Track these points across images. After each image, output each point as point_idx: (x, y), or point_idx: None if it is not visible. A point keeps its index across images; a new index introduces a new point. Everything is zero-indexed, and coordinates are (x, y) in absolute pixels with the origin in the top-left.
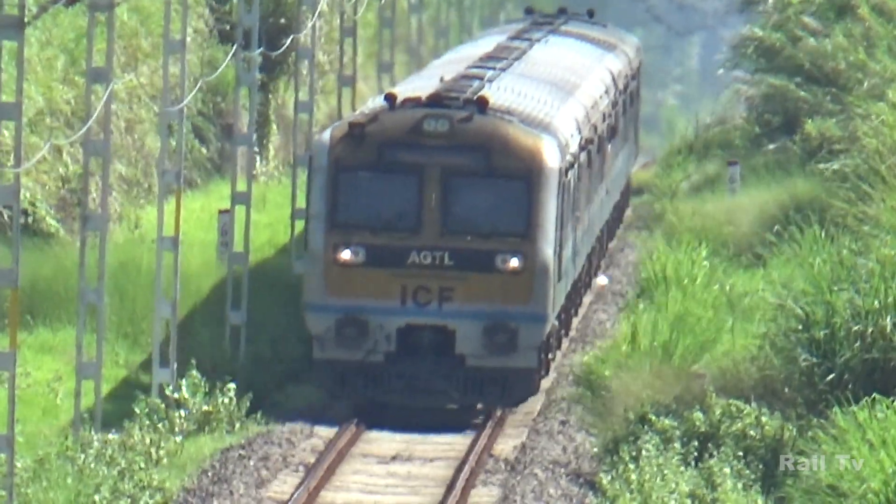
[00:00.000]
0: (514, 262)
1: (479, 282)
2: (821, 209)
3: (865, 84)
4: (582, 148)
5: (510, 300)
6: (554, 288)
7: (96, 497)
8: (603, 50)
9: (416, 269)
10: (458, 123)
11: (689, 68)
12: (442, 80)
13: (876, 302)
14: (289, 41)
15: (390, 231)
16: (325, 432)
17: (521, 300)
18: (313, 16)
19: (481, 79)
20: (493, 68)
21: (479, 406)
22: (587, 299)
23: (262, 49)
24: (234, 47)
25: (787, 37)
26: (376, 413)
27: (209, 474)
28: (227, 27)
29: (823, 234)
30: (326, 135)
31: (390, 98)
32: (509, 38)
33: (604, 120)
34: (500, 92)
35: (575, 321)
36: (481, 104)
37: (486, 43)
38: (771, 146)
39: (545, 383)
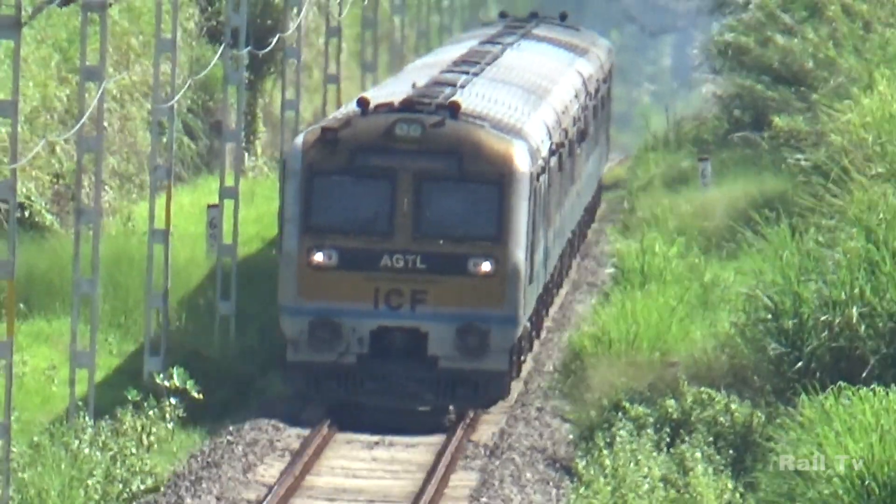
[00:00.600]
0: (486, 266)
1: (452, 285)
2: (789, 203)
3: (832, 82)
4: (553, 152)
5: (482, 303)
6: (525, 291)
7: (90, 481)
8: (574, 54)
9: (388, 272)
10: (431, 128)
11: (662, 67)
12: (415, 85)
13: (842, 293)
14: (275, 41)
15: (363, 234)
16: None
17: (493, 303)
18: (299, 16)
19: (454, 84)
20: (466, 73)
21: (452, 408)
22: (564, 290)
23: (249, 48)
24: (223, 46)
25: (756, 38)
26: (349, 415)
27: (199, 459)
28: (216, 26)
29: (791, 228)
30: (300, 139)
31: (363, 103)
32: (482, 42)
33: (574, 124)
34: (473, 97)
35: (552, 311)
36: (453, 109)
37: (460, 47)
38: (739, 139)
39: (522, 374)
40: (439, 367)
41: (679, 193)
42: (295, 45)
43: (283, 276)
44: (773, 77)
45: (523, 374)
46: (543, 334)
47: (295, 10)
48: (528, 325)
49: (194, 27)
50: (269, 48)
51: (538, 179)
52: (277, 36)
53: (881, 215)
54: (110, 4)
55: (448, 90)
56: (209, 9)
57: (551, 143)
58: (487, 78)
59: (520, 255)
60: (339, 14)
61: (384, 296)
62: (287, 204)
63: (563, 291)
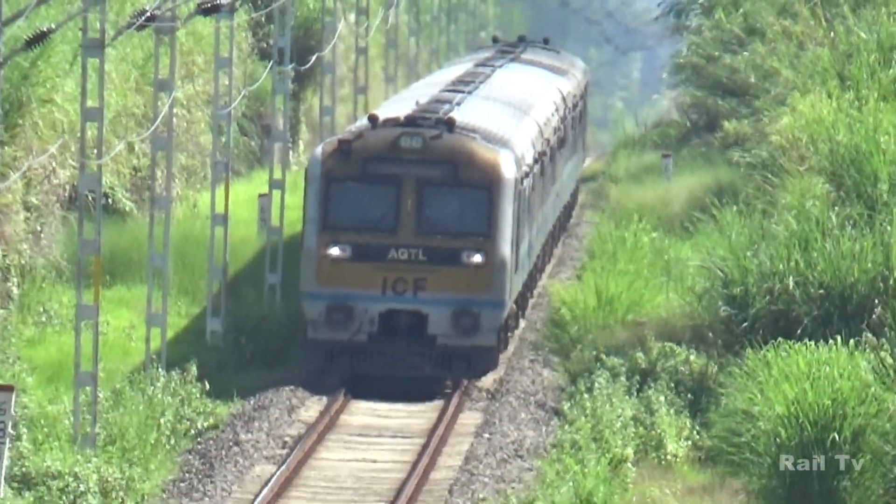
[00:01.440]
0: (477, 258)
1: (448, 274)
2: (737, 192)
3: (772, 92)
4: (536, 160)
5: (474, 289)
6: (511, 279)
7: (162, 420)
8: (555, 74)
9: (394, 263)
10: (430, 140)
11: (632, 79)
12: (418, 102)
13: (780, 265)
14: (314, 58)
15: (373, 231)
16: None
17: (483, 289)
18: (333, 38)
19: (451, 102)
20: (462, 91)
21: (448, 382)
22: (549, 266)
23: (293, 65)
24: (271, 63)
25: (707, 58)
26: (361, 385)
27: (251, 402)
28: (266, 46)
29: (739, 212)
30: (318, 150)
31: (373, 119)
32: (476, 64)
33: (555, 133)
34: (467, 113)
35: (539, 284)
36: (450, 124)
37: (458, 68)
38: (696, 140)
39: (509, 349)
40: (438, 344)
41: (646, 184)
42: (330, 62)
43: (304, 266)
44: (722, 88)
45: (510, 349)
46: (531, 305)
47: (328, 32)
48: (514, 306)
49: (247, 47)
50: (309, 65)
51: (522, 183)
52: (316, 55)
53: (812, 202)
54: (178, 28)
55: (446, 106)
56: (260, 32)
57: (534, 152)
58: (480, 96)
59: (506, 248)
60: (367, 36)
61: (391, 283)
62: (307, 206)
63: (548, 267)
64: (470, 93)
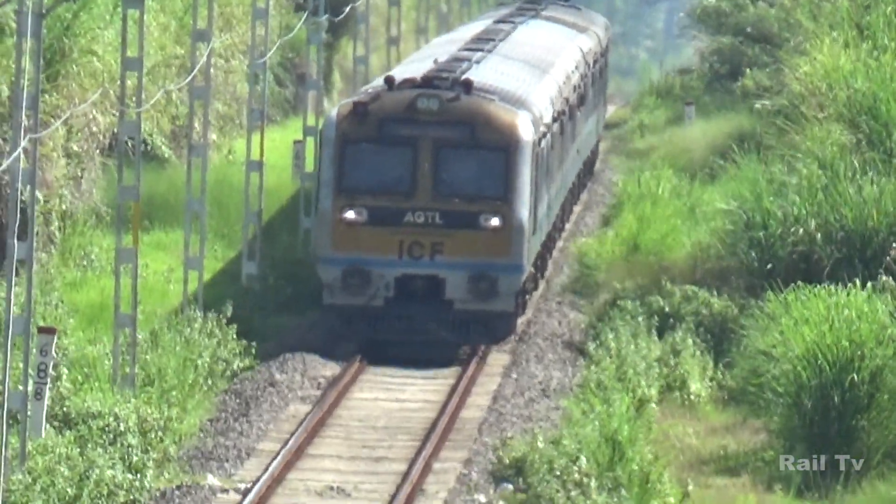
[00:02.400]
0: (495, 222)
1: (465, 238)
2: (758, 139)
3: (792, 42)
4: (555, 119)
5: (491, 254)
6: (529, 242)
7: (199, 361)
8: (576, 31)
9: (411, 227)
10: (447, 102)
11: (656, 29)
12: (436, 61)
13: (802, 209)
14: (348, 9)
15: (389, 195)
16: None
17: (501, 254)
18: None
19: (469, 60)
20: (481, 50)
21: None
22: (577, 208)
23: (327, 15)
24: (306, 14)
25: (733, 4)
26: (378, 352)
27: (287, 344)
28: None
29: (760, 158)
30: (334, 112)
31: (389, 80)
32: (496, 21)
33: (574, 91)
34: (485, 72)
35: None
36: (467, 85)
37: (478, 25)
38: (719, 87)
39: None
40: (455, 309)
41: (669, 131)
42: (364, 12)
43: (319, 230)
44: (746, 36)
45: (528, 312)
46: (550, 265)
47: None
48: (533, 269)
49: None
50: (343, 15)
51: (540, 144)
52: (350, 5)
53: (831, 147)
54: None
55: (465, 65)
56: None
57: (553, 111)
58: (500, 54)
59: (524, 211)
60: None
61: (407, 247)
62: (322, 168)
63: (567, 226)
64: (489, 51)
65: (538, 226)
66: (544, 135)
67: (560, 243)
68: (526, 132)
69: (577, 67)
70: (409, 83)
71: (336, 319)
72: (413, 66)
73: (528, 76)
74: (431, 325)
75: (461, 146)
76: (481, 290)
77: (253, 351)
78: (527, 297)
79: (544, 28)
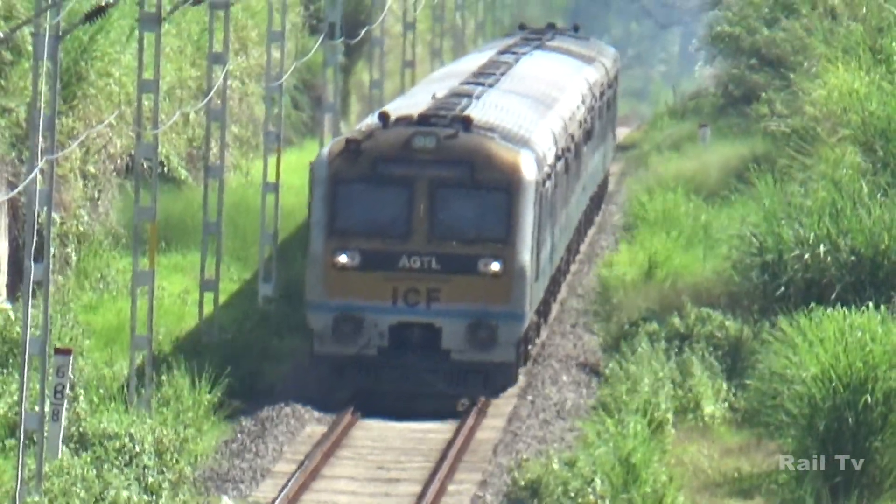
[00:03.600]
0: (495, 266)
1: (463, 284)
2: (772, 161)
3: (805, 65)
4: (559, 157)
5: (491, 300)
6: (531, 288)
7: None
8: (582, 62)
9: (406, 272)
10: (445, 140)
11: (671, 53)
12: (434, 97)
13: (813, 233)
14: (364, 32)
15: (383, 237)
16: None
17: (502, 300)
18: (382, 13)
19: (469, 95)
20: (482, 84)
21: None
22: (591, 231)
23: (343, 39)
24: (322, 37)
25: (745, 28)
26: (371, 403)
27: (302, 366)
28: (317, 21)
29: (774, 181)
30: (325, 150)
31: (383, 117)
32: (499, 52)
33: (580, 127)
34: (486, 108)
35: (581, 253)
36: (466, 122)
37: (481, 57)
38: (733, 110)
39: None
40: (452, 359)
41: (683, 153)
42: (379, 36)
43: (309, 275)
44: (759, 60)
45: (554, 312)
46: (554, 312)
47: (377, 7)
48: (535, 317)
49: (299, 21)
50: (359, 38)
51: (544, 185)
52: (366, 29)
53: (844, 170)
54: (232, 3)
55: (464, 101)
56: (311, 6)
57: (557, 150)
58: (501, 89)
59: (526, 255)
60: (415, 11)
61: (402, 294)
62: (313, 209)
63: (573, 267)
64: (490, 86)
65: (541, 271)
66: (548, 174)
67: (564, 286)
68: (528, 172)
69: (583, 101)
70: (404, 120)
71: (327, 370)
72: (412, 100)
73: (531, 112)
74: (427, 376)
75: (459, 186)
76: (480, 340)
77: (269, 372)
78: (529, 346)
79: (549, 60)
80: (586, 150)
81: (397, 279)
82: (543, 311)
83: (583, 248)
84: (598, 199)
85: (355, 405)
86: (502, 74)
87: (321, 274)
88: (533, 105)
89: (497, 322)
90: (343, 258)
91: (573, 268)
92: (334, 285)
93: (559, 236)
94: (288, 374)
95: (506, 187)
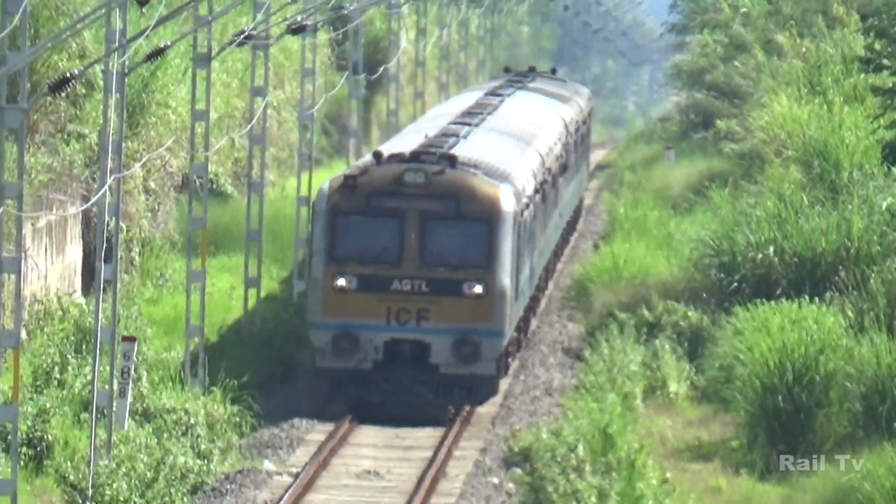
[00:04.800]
0: (478, 289)
1: (450, 305)
2: (727, 178)
3: (755, 96)
4: (537, 190)
5: (475, 319)
6: (511, 308)
7: (258, 364)
8: (559, 102)
9: (398, 294)
10: (433, 176)
11: (642, 86)
12: (426, 136)
13: (762, 237)
14: (382, 69)
15: (377, 263)
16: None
17: (484, 319)
18: (397, 53)
19: (457, 135)
20: (469, 124)
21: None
22: (572, 237)
23: (364, 74)
24: (347, 73)
25: (705, 66)
26: (368, 412)
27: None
28: (342, 60)
29: (729, 194)
30: (326, 185)
31: (377, 155)
32: (486, 94)
33: (557, 161)
34: (471, 146)
35: (549, 289)
36: (452, 160)
37: (469, 97)
38: (695, 135)
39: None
40: (439, 372)
41: (652, 170)
42: (395, 73)
43: (311, 297)
44: (716, 90)
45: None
46: (533, 327)
47: (392, 48)
48: (515, 333)
49: (328, 60)
50: (378, 74)
51: (523, 215)
52: (383, 67)
53: (788, 185)
54: (271, 45)
55: (452, 140)
56: (337, 48)
57: (535, 182)
58: (486, 128)
59: (505, 279)
60: (425, 52)
61: (395, 313)
62: (315, 238)
63: (550, 284)
64: (476, 125)
65: (520, 291)
66: (526, 205)
67: (544, 297)
68: (507, 204)
69: (559, 138)
70: (396, 158)
71: (327, 382)
72: (406, 138)
73: (512, 149)
74: (418, 387)
75: (446, 218)
76: (465, 355)
77: (302, 356)
78: (509, 359)
79: (530, 100)
80: (562, 180)
81: (390, 300)
82: (524, 327)
83: (559, 266)
84: (573, 223)
85: (353, 414)
86: (488, 114)
87: (321, 296)
88: (514, 142)
89: (480, 339)
90: (342, 282)
91: (550, 284)
92: (334, 306)
93: (538, 259)
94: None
95: (487, 218)
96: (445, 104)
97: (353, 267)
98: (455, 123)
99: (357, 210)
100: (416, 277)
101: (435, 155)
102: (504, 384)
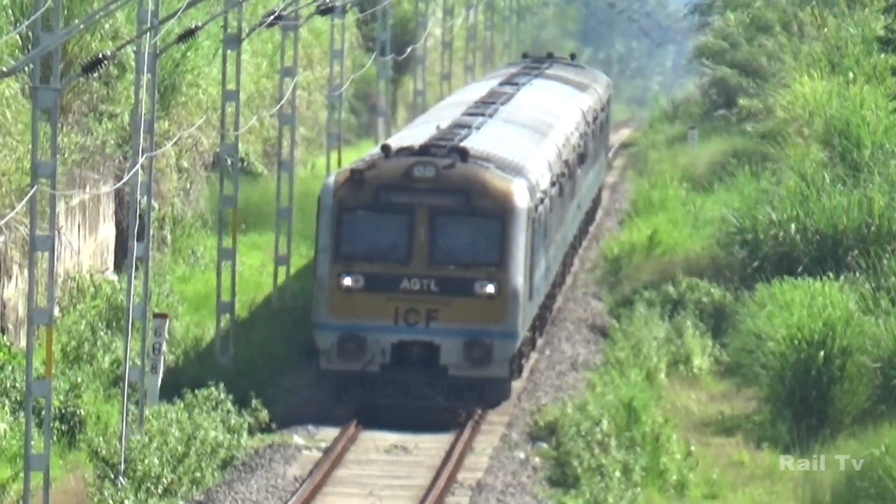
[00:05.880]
0: (490, 289)
1: (460, 305)
2: (749, 157)
3: (777, 76)
4: (553, 183)
5: (486, 320)
6: (524, 308)
7: (285, 339)
8: (577, 90)
9: (407, 293)
10: (443, 170)
11: (665, 66)
12: (438, 127)
13: (784, 215)
14: (409, 50)
15: (385, 261)
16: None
17: (496, 320)
18: (425, 34)
19: (470, 126)
20: (482, 114)
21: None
22: (599, 214)
23: (392, 55)
24: (375, 54)
25: (728, 42)
26: (373, 415)
27: None
28: (370, 41)
29: (751, 173)
30: (331, 179)
31: (386, 148)
32: (502, 82)
33: (574, 151)
34: (484, 139)
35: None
36: (463, 153)
37: (485, 85)
38: (717, 114)
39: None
40: (449, 375)
41: (675, 150)
42: (422, 53)
43: (316, 296)
44: (739, 69)
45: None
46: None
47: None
48: (529, 333)
49: (356, 41)
50: (405, 55)
51: (537, 210)
52: (411, 47)
53: (809, 164)
54: (300, 26)
55: (464, 132)
56: (365, 28)
57: (551, 175)
58: (500, 118)
59: (519, 278)
60: (452, 32)
61: (403, 314)
62: (320, 235)
63: (568, 279)
64: (490, 115)
65: (534, 290)
66: (541, 200)
67: (561, 291)
68: (521, 200)
69: (577, 127)
70: (405, 151)
71: (332, 385)
72: (417, 129)
73: (527, 141)
74: (427, 390)
75: (457, 214)
76: (476, 357)
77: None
78: (522, 360)
79: (547, 88)
80: (580, 171)
81: (399, 300)
82: (539, 325)
83: (576, 259)
84: (592, 212)
85: (358, 419)
86: (502, 105)
87: (327, 296)
88: (529, 133)
89: (492, 340)
90: (348, 281)
91: (568, 279)
92: (340, 306)
93: (554, 254)
94: None
95: (499, 215)
96: (460, 93)
97: (359, 265)
98: (468, 114)
99: (364, 205)
100: (426, 276)
101: (445, 148)
102: (530, 359)
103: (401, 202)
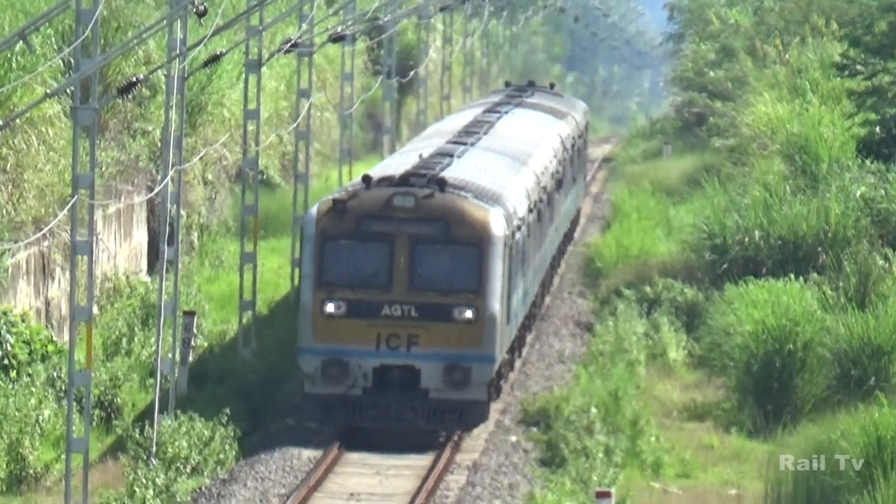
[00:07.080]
0: (468, 314)
1: (440, 330)
2: (718, 170)
3: (742, 97)
4: (531, 210)
5: (465, 345)
6: (502, 332)
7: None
8: (556, 118)
9: (388, 319)
10: (422, 200)
11: (643, 88)
12: (420, 156)
13: (749, 222)
14: (412, 73)
15: (367, 288)
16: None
17: (474, 345)
18: (426, 59)
19: (451, 155)
20: (464, 143)
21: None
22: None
23: (397, 78)
24: (381, 77)
25: (697, 71)
26: (356, 438)
27: None
28: (377, 65)
29: (720, 184)
30: (314, 209)
31: (367, 179)
32: (485, 111)
33: (553, 177)
34: (463, 168)
35: (559, 273)
36: (441, 183)
37: (469, 114)
38: (689, 132)
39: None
40: (430, 398)
41: (651, 163)
42: (423, 77)
43: (300, 322)
44: (708, 93)
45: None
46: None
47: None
48: (507, 355)
49: (364, 65)
50: (409, 78)
51: (514, 237)
52: (414, 71)
53: (772, 176)
54: (314, 52)
55: (445, 161)
56: (373, 54)
57: (529, 203)
58: (481, 147)
59: (496, 304)
60: (450, 57)
61: (384, 339)
62: (304, 263)
63: (547, 298)
64: (472, 144)
65: (511, 315)
66: (518, 227)
67: (542, 310)
68: (498, 228)
69: (555, 155)
70: (386, 181)
71: (316, 408)
72: (400, 158)
73: (505, 169)
74: (408, 413)
75: (435, 242)
76: (455, 380)
77: None
78: (501, 381)
79: (526, 117)
80: (558, 196)
81: (380, 326)
82: (517, 346)
83: (555, 279)
84: (570, 233)
85: (341, 441)
86: (483, 134)
87: (311, 321)
88: (509, 161)
89: (470, 364)
90: (331, 307)
91: (547, 299)
92: (323, 332)
93: (532, 278)
94: None
95: (477, 243)
96: (444, 121)
97: (342, 292)
98: (451, 143)
99: (346, 234)
100: (406, 302)
101: (425, 178)
102: (521, 353)
103: (381, 231)
